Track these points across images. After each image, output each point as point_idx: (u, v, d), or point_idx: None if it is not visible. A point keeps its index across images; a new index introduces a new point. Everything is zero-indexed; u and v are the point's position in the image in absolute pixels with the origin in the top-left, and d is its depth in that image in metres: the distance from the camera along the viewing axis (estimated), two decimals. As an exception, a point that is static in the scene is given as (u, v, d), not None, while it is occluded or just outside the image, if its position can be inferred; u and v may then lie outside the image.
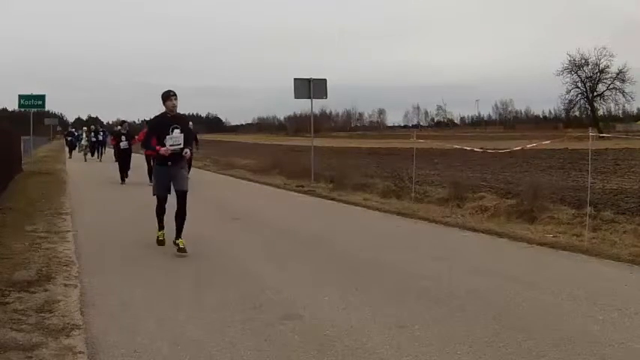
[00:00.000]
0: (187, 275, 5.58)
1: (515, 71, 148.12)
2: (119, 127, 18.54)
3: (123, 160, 16.01)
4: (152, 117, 7.20)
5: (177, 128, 6.57)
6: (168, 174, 6.66)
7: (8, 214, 9.17)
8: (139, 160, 15.83)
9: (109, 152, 26.67)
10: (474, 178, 14.24)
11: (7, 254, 6.17)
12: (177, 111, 6.77)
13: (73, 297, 4.75)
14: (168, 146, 6.47)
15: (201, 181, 15.43)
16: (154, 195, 6.80)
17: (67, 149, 33.62)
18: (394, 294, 4.92)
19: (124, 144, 16.15)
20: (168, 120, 6.63)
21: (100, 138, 28.87)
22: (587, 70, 58.93)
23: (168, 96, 6.62)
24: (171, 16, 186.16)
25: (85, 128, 31.74)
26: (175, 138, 6.54)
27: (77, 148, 32.53)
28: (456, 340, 3.80)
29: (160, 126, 6.66)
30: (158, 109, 6.84)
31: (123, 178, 15.68)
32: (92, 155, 28.73)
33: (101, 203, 11.56)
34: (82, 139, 29.81)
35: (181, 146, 6.56)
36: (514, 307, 4.56)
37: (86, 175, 19.26)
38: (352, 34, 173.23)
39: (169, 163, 6.57)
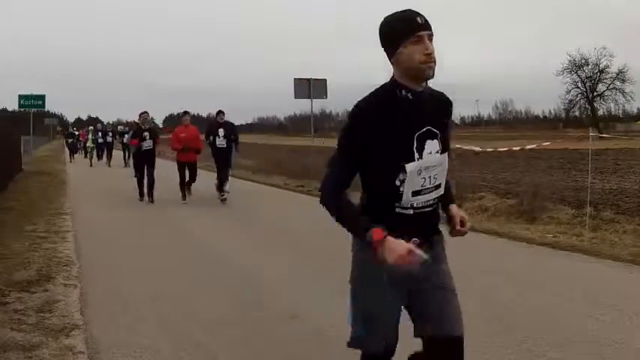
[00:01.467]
0: (186, 275, 5.58)
1: (515, 71, 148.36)
2: (125, 127, 16.05)
3: (147, 166, 11.36)
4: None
5: (434, 138, 2.14)
6: (404, 283, 2.20)
7: (8, 214, 9.18)
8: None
9: (116, 155, 25.11)
10: (473, 178, 14.21)
11: (7, 254, 6.18)
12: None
13: (73, 297, 4.76)
14: (409, 199, 2.13)
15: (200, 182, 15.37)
16: (359, 341, 2.40)
17: (67, 152, 31.14)
18: (394, 294, 4.91)
19: (147, 144, 11.41)
20: (415, 112, 2.10)
21: (109, 139, 25.19)
22: (587, 70, 58.92)
23: (413, 28, 2.04)
24: (172, 16, 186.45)
25: (90, 127, 28.20)
26: (433, 168, 2.14)
27: (80, 151, 30.82)
28: (456, 340, 3.79)
29: (391, 131, 2.06)
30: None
31: (150, 194, 11.33)
32: (100, 159, 25.36)
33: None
34: (88, 139, 26.91)
35: (441, 192, 2.23)
36: (514, 307, 4.55)
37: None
38: (352, 34, 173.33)
39: (414, 240, 2.08)
